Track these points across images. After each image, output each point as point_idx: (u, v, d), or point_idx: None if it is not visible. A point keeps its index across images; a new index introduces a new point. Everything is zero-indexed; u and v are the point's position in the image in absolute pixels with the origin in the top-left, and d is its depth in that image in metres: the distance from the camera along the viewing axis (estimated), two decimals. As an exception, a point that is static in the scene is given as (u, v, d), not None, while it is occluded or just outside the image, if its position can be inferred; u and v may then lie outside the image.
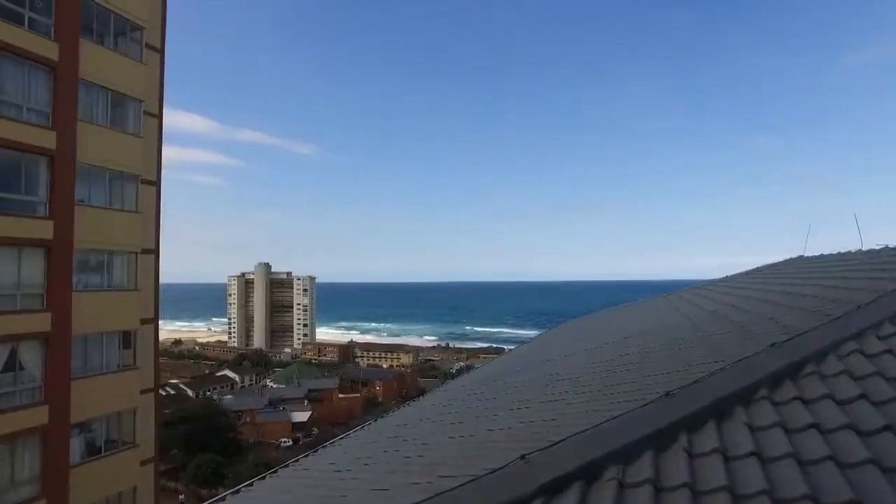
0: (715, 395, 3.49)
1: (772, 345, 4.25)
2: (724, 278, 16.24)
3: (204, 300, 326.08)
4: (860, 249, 11.57)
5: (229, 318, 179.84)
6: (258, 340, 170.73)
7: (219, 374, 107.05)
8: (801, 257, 15.17)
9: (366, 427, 9.48)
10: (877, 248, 10.94)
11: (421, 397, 10.32)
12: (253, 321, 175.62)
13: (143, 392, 20.67)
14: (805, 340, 4.25)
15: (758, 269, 15.43)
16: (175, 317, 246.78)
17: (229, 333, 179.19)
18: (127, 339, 20.15)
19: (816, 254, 14.83)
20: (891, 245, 10.46)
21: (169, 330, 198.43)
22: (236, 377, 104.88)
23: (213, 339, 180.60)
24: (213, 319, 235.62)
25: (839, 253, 13.05)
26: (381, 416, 10.81)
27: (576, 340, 11.08)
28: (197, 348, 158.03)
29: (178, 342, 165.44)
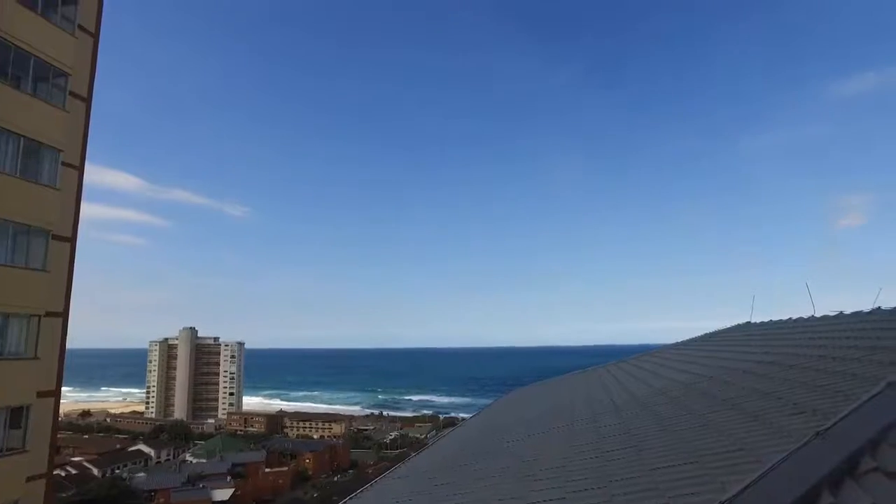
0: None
1: (816, 433, 3.57)
2: (676, 344, 16.01)
3: (121, 367, 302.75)
4: (813, 315, 11.64)
5: (148, 387, 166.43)
6: (179, 411, 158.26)
7: (131, 448, 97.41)
8: (748, 323, 15.24)
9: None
10: (831, 314, 11.05)
11: (364, 490, 8.83)
12: (174, 390, 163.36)
13: (30, 479, 17.74)
14: (850, 427, 3.61)
15: (709, 335, 15.32)
16: (86, 385, 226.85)
17: (147, 403, 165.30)
18: (16, 416, 17.40)
19: (764, 319, 14.97)
20: (845, 311, 10.55)
21: (76, 400, 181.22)
22: (151, 452, 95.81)
23: (127, 410, 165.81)
24: (129, 389, 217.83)
25: (789, 319, 13.11)
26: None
27: (541, 415, 10.18)
28: (108, 420, 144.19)
29: (86, 414, 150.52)
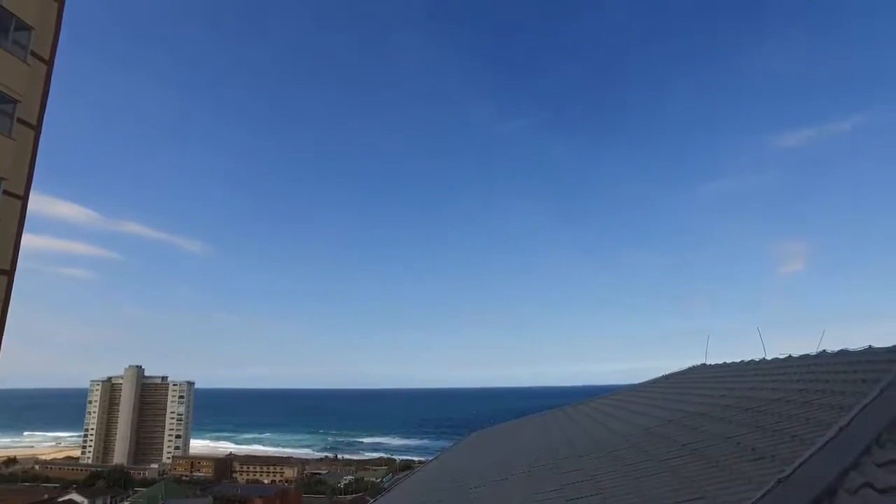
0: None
1: (778, 481, 3.57)
2: (633, 386, 16.14)
3: (55, 409, 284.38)
4: (764, 358, 11.98)
5: (86, 430, 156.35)
6: (120, 455, 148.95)
7: (62, 499, 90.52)
8: (703, 365, 15.55)
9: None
10: (781, 356, 11.40)
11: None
12: (115, 432, 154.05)
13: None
14: (810, 473, 3.62)
15: (666, 377, 15.52)
16: (15, 429, 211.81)
17: (84, 448, 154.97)
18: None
19: (718, 361, 15.32)
20: (794, 354, 10.91)
21: (2, 445, 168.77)
22: (85, 501, 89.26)
23: (60, 456, 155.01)
24: (61, 433, 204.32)
25: (742, 361, 13.45)
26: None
27: (501, 460, 9.98)
28: (37, 467, 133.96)
29: (11, 461, 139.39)
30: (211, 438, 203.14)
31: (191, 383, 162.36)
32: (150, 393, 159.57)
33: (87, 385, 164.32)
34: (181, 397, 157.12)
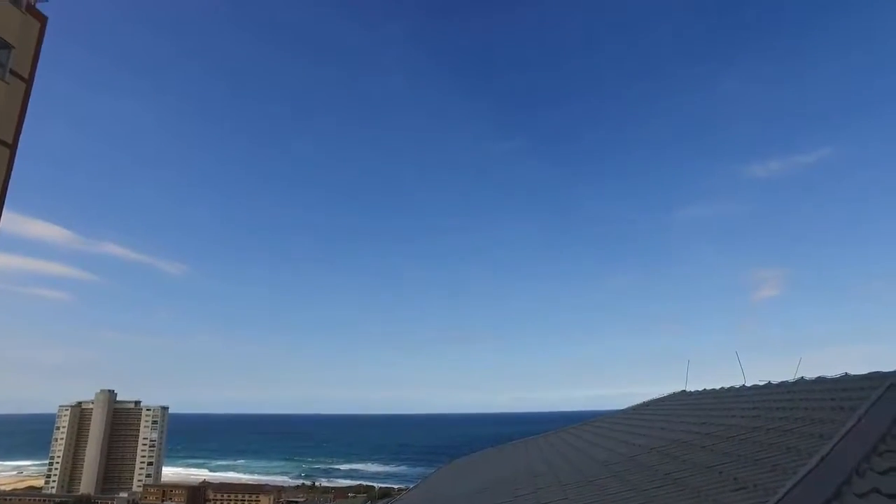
0: None
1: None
2: (615, 412, 16.11)
3: (22, 435, 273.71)
4: (744, 385, 12.06)
5: (51, 458, 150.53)
6: (87, 484, 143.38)
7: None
8: (684, 392, 15.59)
9: None
10: (761, 383, 11.49)
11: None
12: (83, 460, 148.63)
13: None
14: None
15: (646, 404, 15.53)
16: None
17: (48, 477, 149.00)
18: None
19: (698, 387, 15.38)
20: (773, 380, 11.02)
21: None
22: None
23: (22, 486, 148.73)
24: (23, 462, 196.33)
25: (722, 388, 13.52)
26: None
27: (484, 488, 9.82)
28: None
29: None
30: (184, 465, 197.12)
31: (165, 408, 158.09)
32: (121, 418, 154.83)
33: (54, 410, 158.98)
34: (154, 422, 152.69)
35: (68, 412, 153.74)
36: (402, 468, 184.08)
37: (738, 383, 12.72)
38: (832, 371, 8.93)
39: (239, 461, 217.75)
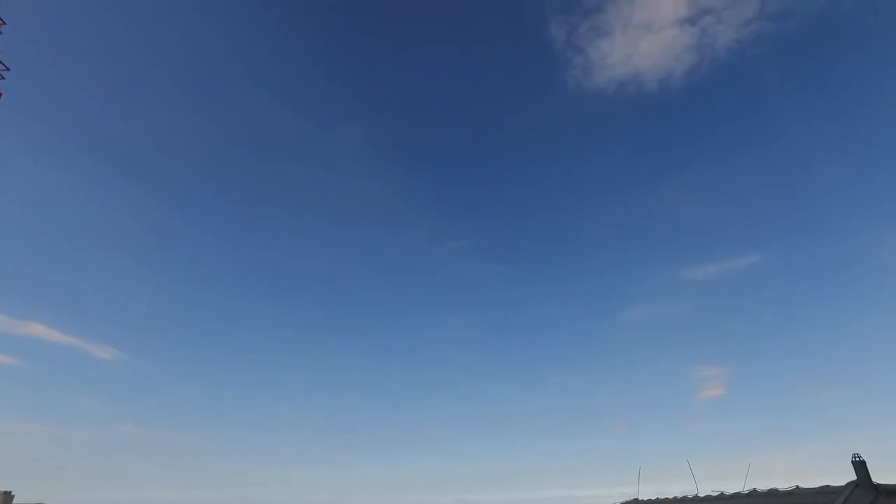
0: None
1: None
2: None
3: None
4: (697, 495, 11.89)
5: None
6: None
7: None
8: (636, 501, 15.18)
9: None
10: (713, 494, 11.38)
11: None
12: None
13: None
14: None
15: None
16: None
17: None
18: None
19: (648, 489, 15.05)
20: (724, 488, 10.95)
21: None
22: None
23: None
24: None
25: (675, 498, 13.27)
26: None
27: None
28: None
29: None
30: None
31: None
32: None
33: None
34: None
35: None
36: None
37: (690, 490, 12.56)
38: (781, 472, 8.97)
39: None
